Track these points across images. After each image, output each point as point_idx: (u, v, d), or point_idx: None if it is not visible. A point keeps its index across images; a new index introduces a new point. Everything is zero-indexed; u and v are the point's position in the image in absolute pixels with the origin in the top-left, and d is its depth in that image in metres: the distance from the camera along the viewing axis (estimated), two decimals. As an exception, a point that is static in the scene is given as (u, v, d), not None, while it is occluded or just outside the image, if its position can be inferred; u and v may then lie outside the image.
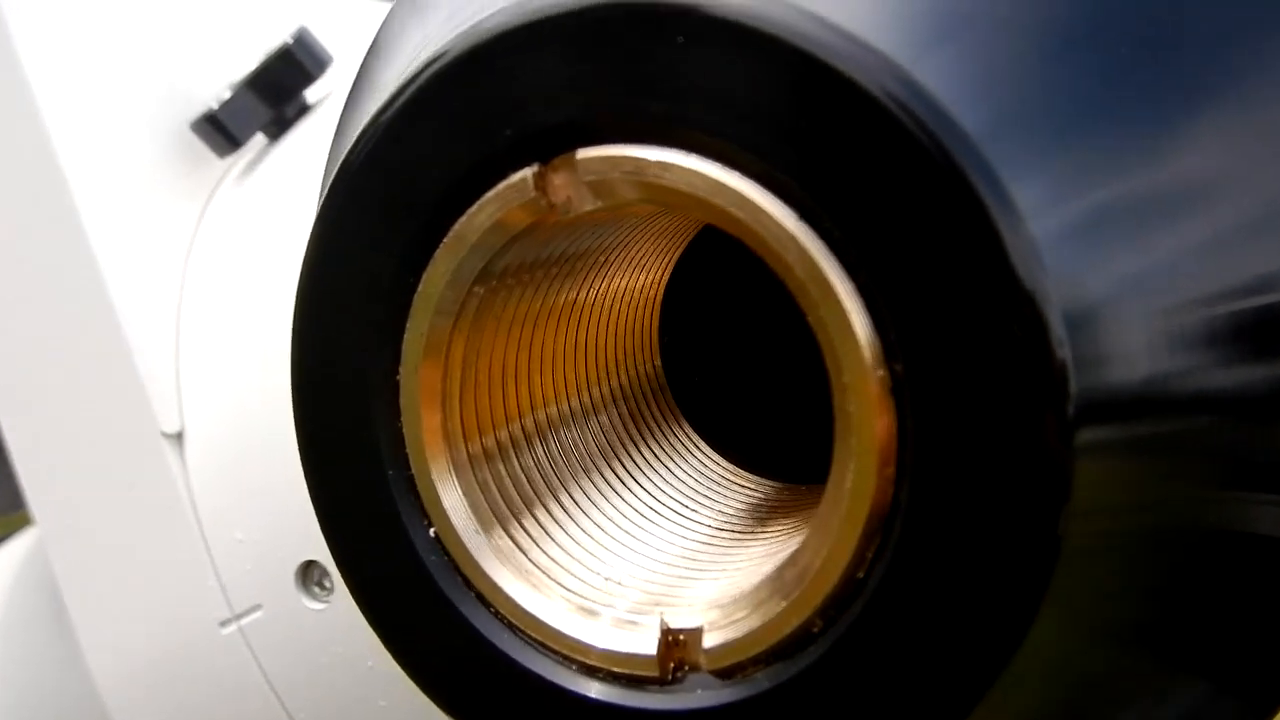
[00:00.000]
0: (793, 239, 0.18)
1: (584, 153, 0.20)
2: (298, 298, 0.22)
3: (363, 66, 0.27)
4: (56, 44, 0.41)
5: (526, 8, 0.19)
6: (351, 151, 0.21)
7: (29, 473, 0.42)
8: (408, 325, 0.21)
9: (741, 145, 0.19)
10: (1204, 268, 0.19)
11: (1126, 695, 0.21)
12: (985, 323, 0.18)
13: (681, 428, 0.27)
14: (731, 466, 0.27)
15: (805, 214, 0.18)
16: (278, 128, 0.43)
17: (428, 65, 0.20)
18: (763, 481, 0.27)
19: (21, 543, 0.53)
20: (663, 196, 0.19)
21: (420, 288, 0.21)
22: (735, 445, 0.27)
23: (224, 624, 0.40)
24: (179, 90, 0.44)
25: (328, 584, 0.38)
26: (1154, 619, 0.20)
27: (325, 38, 0.43)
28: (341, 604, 0.38)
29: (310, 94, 0.43)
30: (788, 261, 0.18)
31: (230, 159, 0.44)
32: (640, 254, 0.26)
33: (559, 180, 0.20)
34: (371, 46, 0.27)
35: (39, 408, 0.41)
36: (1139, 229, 0.19)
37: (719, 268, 0.29)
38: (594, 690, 0.21)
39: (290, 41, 0.43)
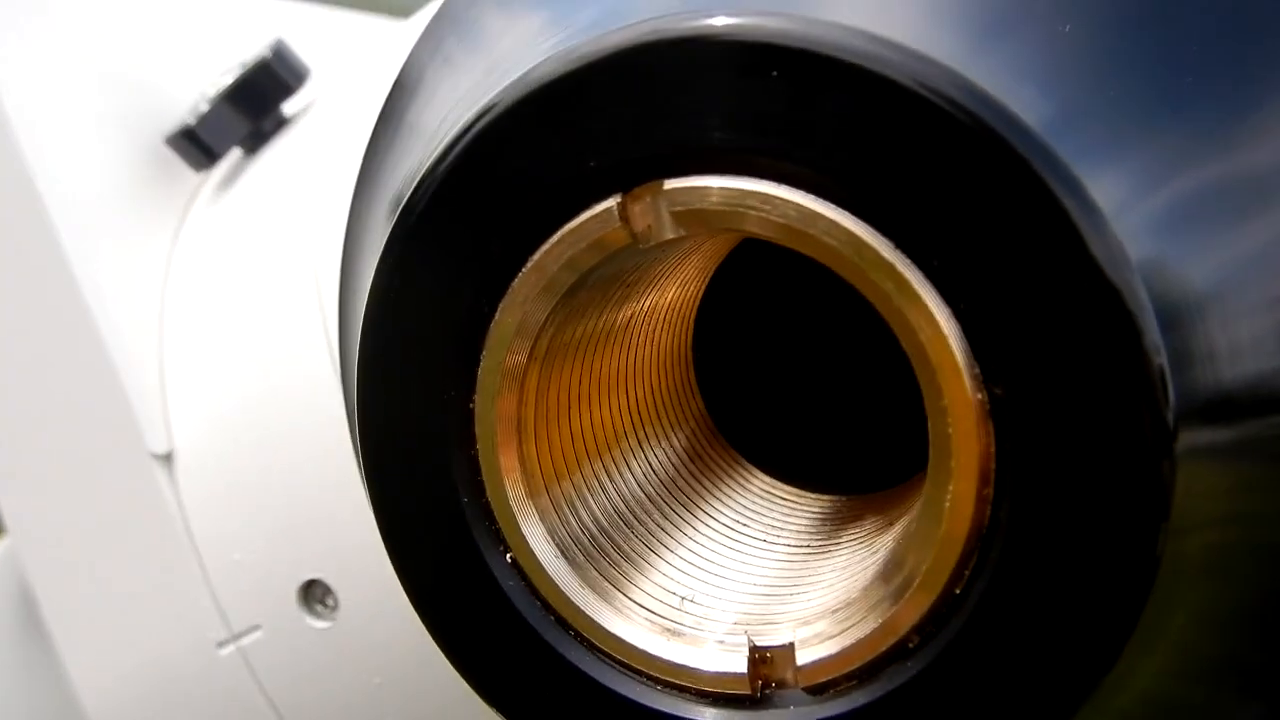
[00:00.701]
0: (890, 267, 0.18)
1: (672, 184, 0.20)
2: (365, 326, 0.21)
3: (390, 105, 0.26)
4: (29, 60, 0.40)
5: (613, 39, 0.19)
6: (416, 192, 0.21)
7: (10, 495, 0.41)
8: (484, 356, 0.21)
9: (833, 175, 0.19)
10: None
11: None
12: (1078, 334, 0.18)
13: (732, 456, 0.27)
14: (787, 487, 0.27)
15: (899, 242, 0.19)
16: (255, 141, 0.42)
17: (515, 89, 0.20)
18: (821, 497, 0.27)
19: None
20: (753, 227, 0.19)
21: (498, 316, 0.21)
22: (786, 465, 0.27)
23: (222, 645, 0.39)
24: (153, 105, 0.43)
25: (331, 602, 0.37)
26: (1249, 647, 0.20)
27: (302, 50, 0.43)
28: (347, 622, 0.37)
29: (287, 107, 0.42)
30: (885, 290, 0.19)
31: (206, 173, 0.43)
32: (682, 275, 0.26)
33: (639, 209, 0.20)
34: (398, 84, 0.26)
35: (22, 431, 0.40)
36: (1230, 218, 0.18)
37: (754, 294, 0.29)
38: (682, 709, 0.21)
39: (269, 54, 0.42)
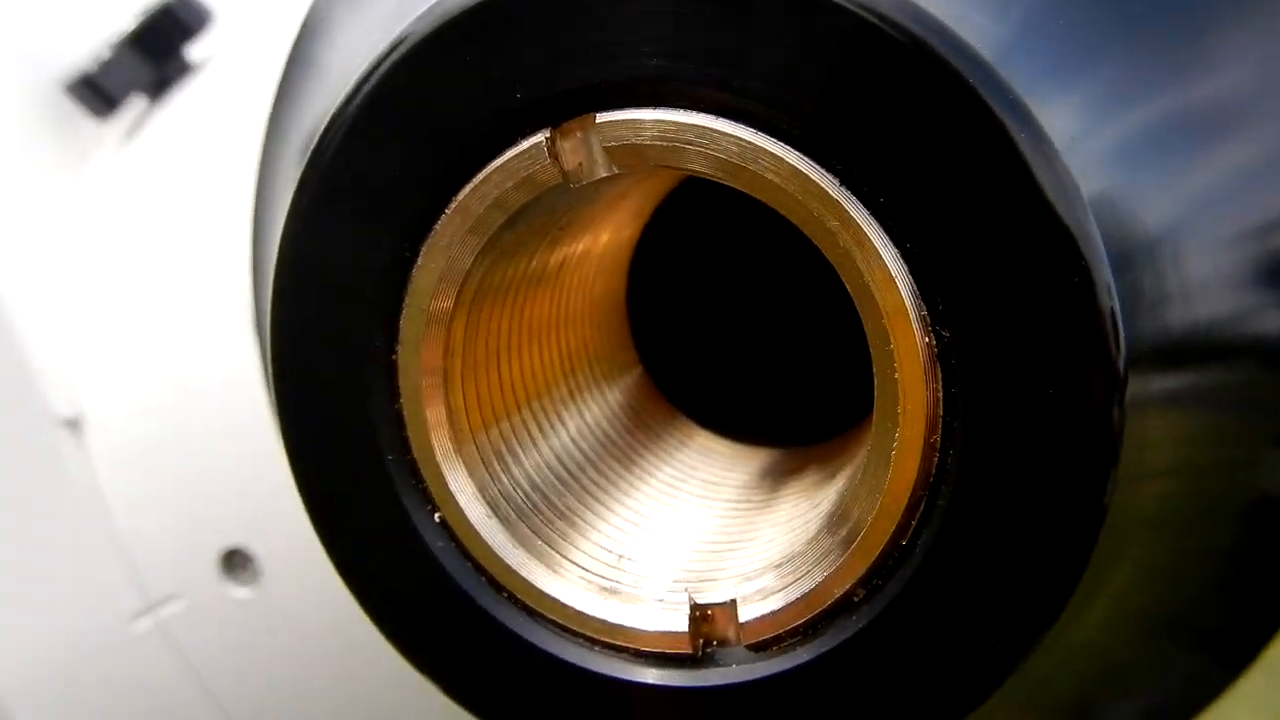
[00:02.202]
0: (836, 205, 0.18)
1: (604, 116, 0.18)
2: (276, 274, 0.20)
3: (296, 49, 0.25)
4: None
5: None
6: (326, 134, 0.19)
7: None
8: (405, 302, 0.20)
9: (778, 109, 0.18)
10: (1263, 192, 0.18)
11: (1145, 674, 0.21)
12: (1027, 275, 0.17)
13: (668, 410, 0.26)
14: (726, 441, 0.26)
15: (847, 180, 0.18)
16: (158, 88, 0.40)
17: (437, 13, 0.18)
18: (761, 450, 0.27)
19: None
20: (693, 163, 0.18)
21: (420, 259, 0.19)
22: (724, 418, 0.27)
23: (138, 616, 0.38)
24: (48, 52, 0.41)
25: (253, 571, 0.36)
26: (1178, 593, 0.20)
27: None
28: (270, 590, 0.36)
29: (192, 53, 0.41)
30: (830, 229, 0.18)
31: (108, 122, 0.41)
32: (616, 217, 0.25)
33: (570, 145, 0.19)
34: (305, 25, 0.25)
35: None
36: (1185, 150, 0.18)
37: (683, 239, 0.28)
38: (621, 670, 0.20)
39: (171, -2, 0.40)
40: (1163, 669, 0.21)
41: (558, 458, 0.22)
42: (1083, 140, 0.17)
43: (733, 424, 0.27)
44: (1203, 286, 0.18)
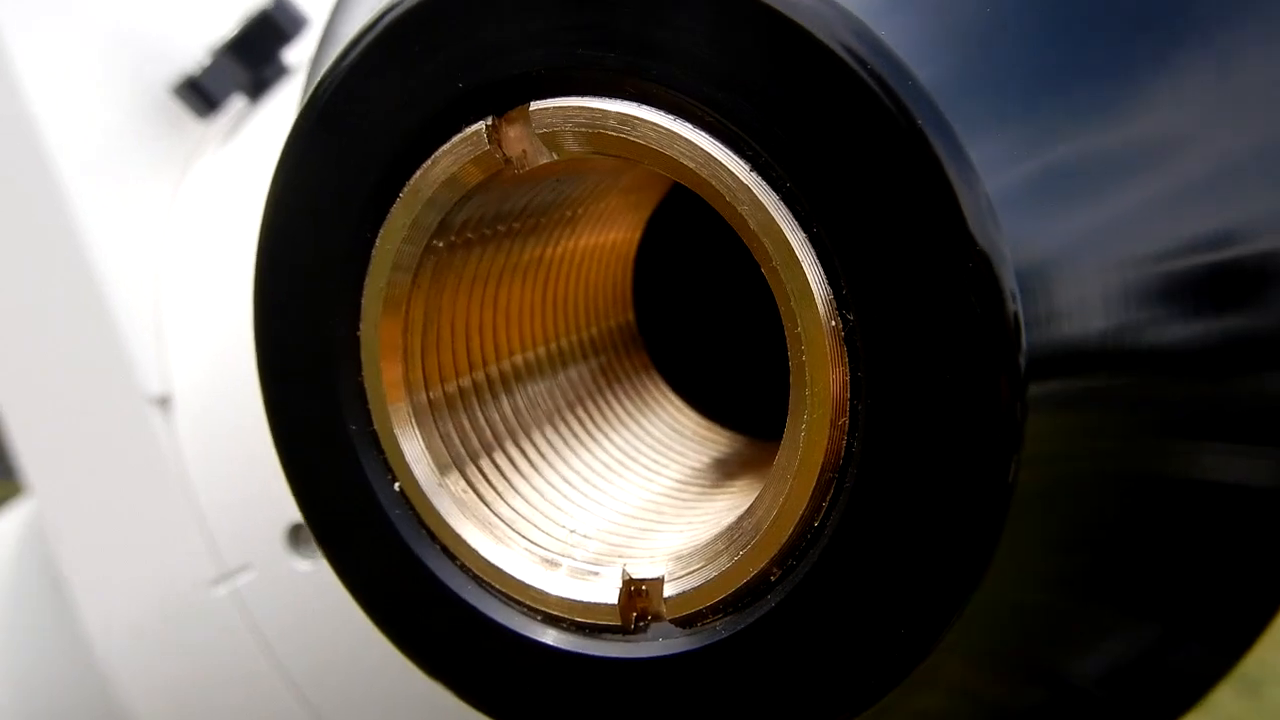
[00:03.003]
0: (746, 189, 0.18)
1: (537, 105, 0.19)
2: (257, 254, 0.21)
3: (327, 25, 0.26)
4: (37, 10, 0.41)
5: None
6: (306, 106, 0.21)
7: (21, 440, 0.42)
8: (366, 281, 0.21)
9: (695, 97, 0.18)
10: (1156, 225, 0.19)
11: (1083, 636, 0.20)
12: (938, 277, 0.17)
13: (653, 380, 0.27)
14: (701, 420, 0.27)
15: (758, 166, 0.18)
16: (256, 89, 0.43)
17: (383, 15, 0.20)
18: (733, 436, 0.27)
19: (21, 511, 0.53)
20: (617, 148, 0.19)
21: (378, 243, 0.21)
22: (706, 399, 0.27)
23: (215, 583, 0.40)
24: (156, 55, 0.44)
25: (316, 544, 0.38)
26: (1105, 564, 0.20)
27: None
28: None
29: (289, 56, 0.43)
30: (741, 213, 0.18)
31: (209, 121, 0.44)
32: (610, 210, 0.25)
33: (514, 133, 0.20)
34: (337, 5, 0.26)
35: (28, 377, 0.41)
36: (1094, 186, 0.18)
37: (694, 224, 0.29)
38: (555, 639, 0.21)
39: (269, 5, 0.42)
40: (1107, 630, 0.20)
41: (518, 431, 0.23)
42: (1004, 169, 0.18)
43: (706, 400, 0.27)
44: (1108, 300, 0.18)
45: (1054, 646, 0.20)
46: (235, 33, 0.42)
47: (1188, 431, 0.20)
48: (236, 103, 0.43)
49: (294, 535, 0.38)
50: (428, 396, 0.22)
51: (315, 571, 0.38)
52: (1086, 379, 0.18)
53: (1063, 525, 0.19)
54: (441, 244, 0.21)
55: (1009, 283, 0.17)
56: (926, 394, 0.18)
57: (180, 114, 0.43)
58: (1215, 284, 0.20)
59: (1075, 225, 0.18)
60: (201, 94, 0.42)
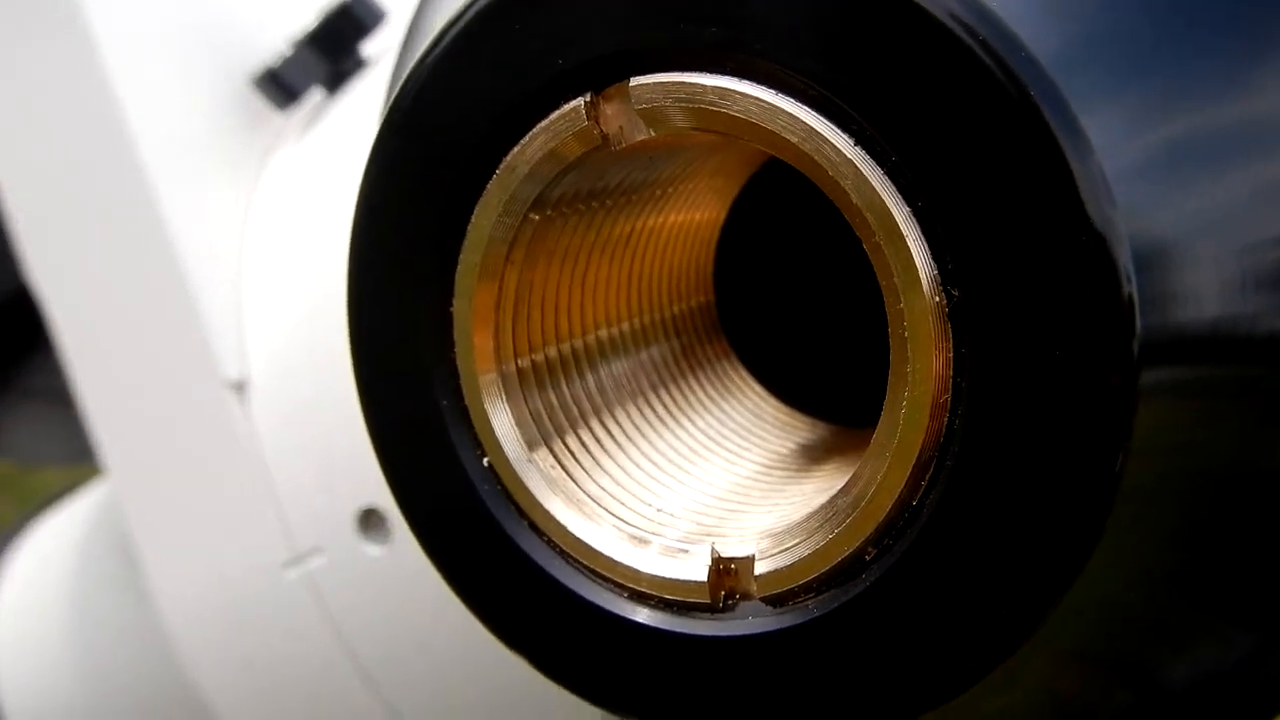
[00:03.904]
0: (849, 163, 0.18)
1: (636, 81, 0.19)
2: (353, 238, 0.21)
3: (414, 16, 0.26)
4: (122, 3, 0.42)
5: None
6: (402, 90, 0.21)
7: (100, 421, 0.42)
8: (461, 256, 0.21)
9: (798, 70, 0.18)
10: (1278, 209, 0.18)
11: (1179, 640, 0.20)
12: (1049, 256, 0.17)
13: (733, 366, 0.27)
14: (784, 407, 0.27)
15: (862, 139, 0.18)
16: (335, 81, 0.43)
17: (475, 1, 0.20)
18: (816, 423, 0.27)
19: (96, 492, 0.54)
20: (717, 123, 0.19)
21: (474, 218, 0.21)
22: (789, 386, 0.27)
23: (287, 566, 0.40)
24: (238, 47, 0.44)
25: (386, 529, 0.38)
26: (1208, 564, 0.19)
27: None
28: (400, 549, 0.38)
29: (367, 48, 0.43)
30: (843, 187, 0.18)
31: (289, 113, 0.44)
32: (698, 190, 0.25)
33: (611, 110, 0.20)
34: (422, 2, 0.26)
35: (109, 360, 0.42)
36: (1213, 166, 0.18)
37: (778, 208, 0.28)
38: (645, 616, 0.20)
39: (349, -1, 0.43)
40: (1204, 634, 0.20)
41: (603, 409, 0.23)
42: (1120, 144, 0.17)
43: (790, 389, 0.27)
44: (1226, 286, 0.18)
45: (1147, 647, 0.20)
46: (315, 25, 0.42)
47: None
48: (315, 95, 0.44)
49: (365, 520, 0.39)
50: (517, 368, 0.21)
51: (386, 557, 0.38)
52: (1201, 368, 0.18)
53: (1168, 521, 0.18)
54: (537, 217, 0.21)
55: (1124, 263, 0.17)
56: (1033, 376, 0.17)
57: (260, 106, 0.43)
58: None
59: (1194, 205, 0.18)
60: (281, 86, 0.43)
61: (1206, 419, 0.18)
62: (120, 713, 0.49)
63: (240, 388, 0.41)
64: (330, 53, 0.43)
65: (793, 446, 0.25)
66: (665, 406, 0.24)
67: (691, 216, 0.26)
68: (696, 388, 0.25)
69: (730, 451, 0.24)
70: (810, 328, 0.29)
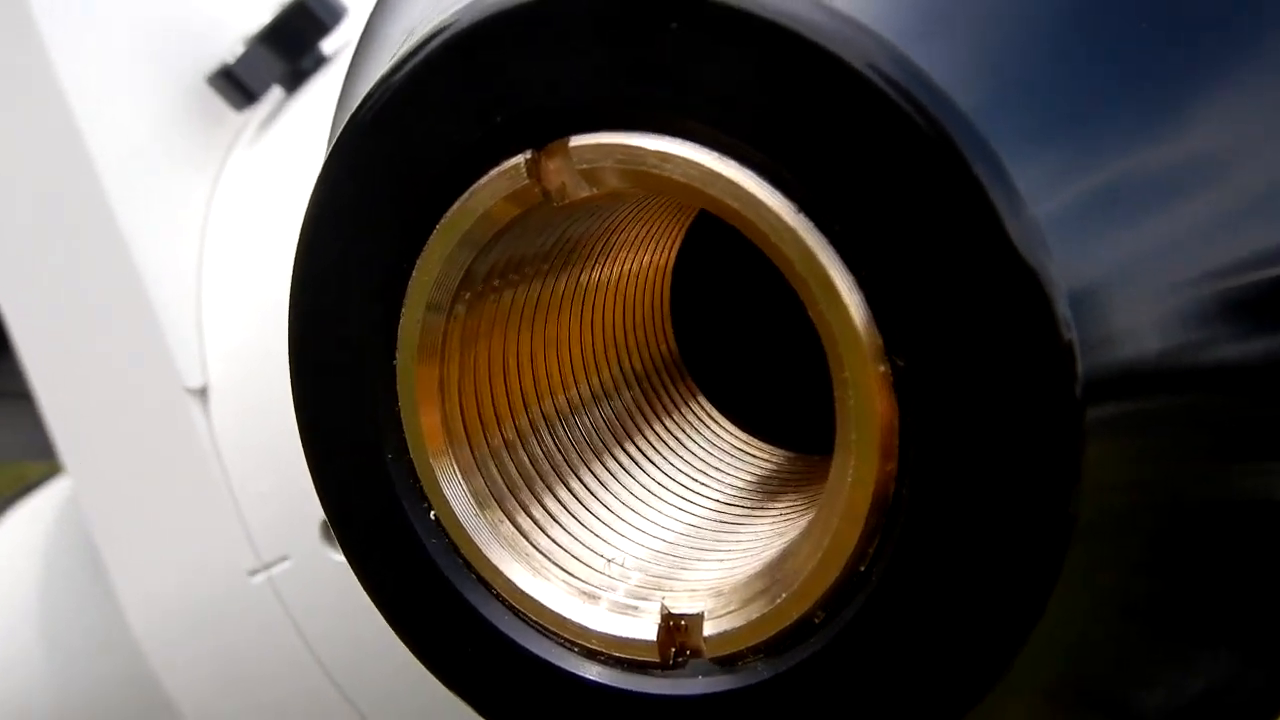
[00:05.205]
0: (791, 232, 0.17)
1: (577, 140, 0.19)
2: (295, 265, 0.21)
3: (368, 24, 0.25)
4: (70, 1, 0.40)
5: None
6: (350, 120, 0.20)
7: (60, 428, 0.42)
8: (403, 313, 0.20)
9: (737, 134, 0.17)
10: (1209, 244, 0.18)
11: (1148, 670, 0.20)
12: (989, 310, 0.17)
13: (695, 398, 0.26)
14: (744, 435, 0.26)
15: (804, 206, 0.17)
16: (294, 80, 0.42)
17: (428, 40, 0.19)
18: (776, 451, 0.26)
19: (60, 487, 0.53)
20: (657, 186, 0.18)
21: (414, 275, 0.20)
22: (748, 414, 0.26)
23: (253, 574, 0.40)
24: (192, 45, 0.43)
25: None
26: (1169, 592, 0.19)
27: (339, -11, 0.42)
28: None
29: (327, 46, 0.42)
30: (787, 256, 0.17)
31: (247, 113, 0.43)
32: (646, 233, 0.25)
33: (553, 166, 0.19)
34: (379, 3, 0.25)
35: (67, 366, 0.41)
36: (1142, 208, 0.18)
37: (727, 238, 0.28)
38: (595, 673, 0.20)
39: (306, -6, 0.41)
40: (1174, 661, 0.20)
41: (558, 468, 0.23)
42: (1050, 192, 0.17)
43: (746, 414, 0.26)
44: (1162, 322, 0.17)
45: (1119, 679, 0.20)
46: (270, 22, 0.41)
47: (1253, 453, 0.19)
48: (275, 93, 0.43)
49: (330, 528, 0.38)
50: (466, 432, 0.21)
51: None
52: (1145, 402, 0.17)
53: (1125, 554, 0.18)
54: (479, 278, 0.20)
55: (1062, 310, 0.16)
56: (980, 432, 0.17)
57: (218, 105, 0.42)
58: (1272, 302, 0.19)
59: (1128, 246, 0.17)
60: (238, 84, 0.42)
61: (1155, 452, 0.18)
62: (88, 705, 0.48)
63: (202, 394, 0.40)
64: (287, 50, 0.42)
65: (750, 478, 0.25)
66: (625, 453, 0.24)
67: (643, 259, 0.25)
68: (658, 429, 0.25)
69: (687, 489, 0.24)
70: (766, 354, 0.28)
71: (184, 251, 0.40)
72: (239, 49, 0.41)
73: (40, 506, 0.53)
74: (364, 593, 0.38)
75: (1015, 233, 0.16)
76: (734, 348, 0.28)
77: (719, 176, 0.18)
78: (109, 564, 0.42)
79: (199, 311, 0.40)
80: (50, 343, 0.41)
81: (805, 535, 0.19)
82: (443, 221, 0.19)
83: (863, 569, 0.18)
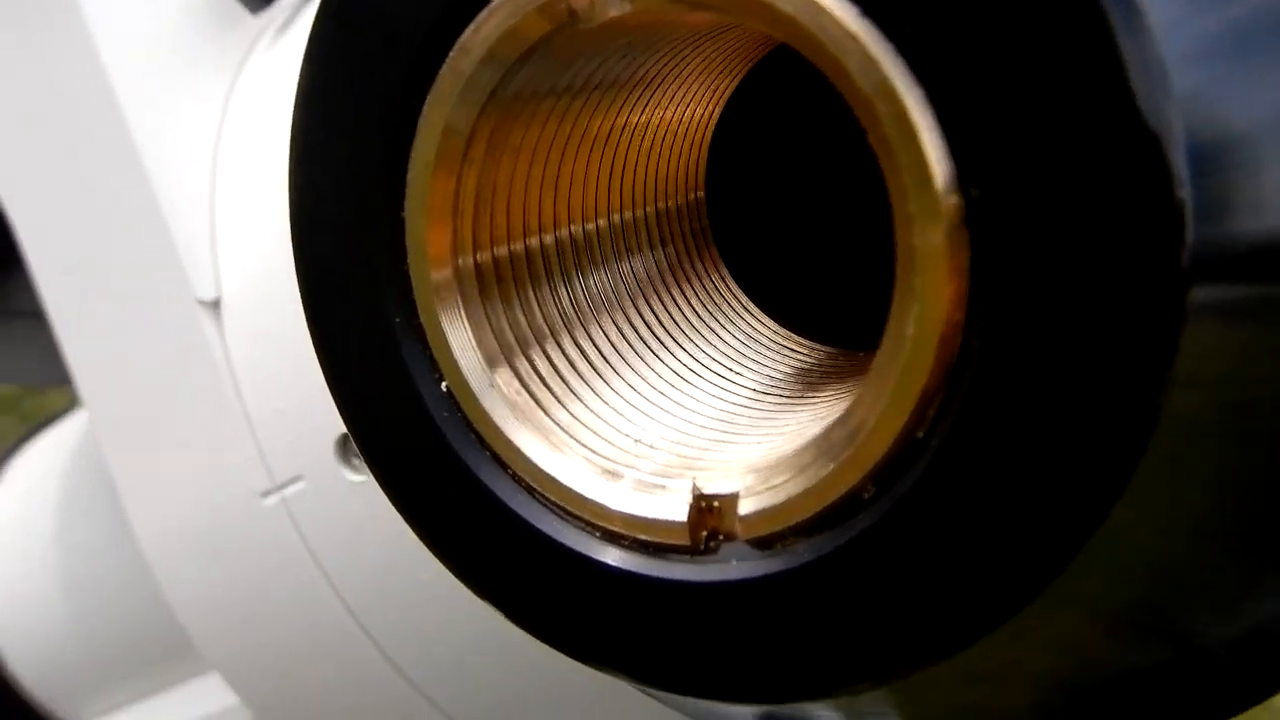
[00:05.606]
0: (852, 38, 0.15)
1: (608, -54, 0.16)
2: (292, 139, 0.19)
3: None
4: None
5: None
6: None
7: (71, 344, 0.40)
8: (413, 152, 0.18)
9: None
10: None
11: (1223, 598, 0.17)
12: (1087, 151, 0.14)
13: (725, 283, 0.24)
14: (779, 328, 0.24)
15: (870, 8, 0.15)
16: (309, -18, 0.40)
17: None
18: (815, 346, 0.24)
19: (79, 418, 0.52)
20: (699, -4, 0.16)
21: (425, 109, 0.18)
22: (785, 306, 0.24)
23: (266, 494, 0.38)
24: None
25: None
26: (1255, 513, 0.16)
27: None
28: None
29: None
30: (846, 66, 0.15)
31: (263, 17, 0.41)
32: (686, 87, 0.22)
33: (581, -18, 0.17)
34: None
35: (78, 279, 0.39)
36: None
37: (777, 107, 0.25)
38: (616, 558, 0.18)
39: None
40: (1250, 590, 0.17)
41: (576, 325, 0.20)
42: (1180, 25, 0.14)
43: (787, 308, 0.24)
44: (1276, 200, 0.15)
45: (1187, 603, 0.17)
46: (286, -81, 0.39)
47: None
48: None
49: (344, 446, 0.36)
50: (476, 265, 0.19)
51: (367, 483, 0.36)
52: (1262, 287, 0.15)
53: (1212, 462, 0.15)
54: (496, 110, 0.18)
55: (1178, 164, 0.14)
56: (1063, 292, 0.14)
57: (234, 8, 0.40)
58: None
59: (1265, 99, 0.15)
60: (252, -15, 0.40)
61: (1266, 348, 0.15)
62: (109, 637, 0.47)
63: (215, 306, 0.39)
64: (302, -50, 0.40)
65: (788, 370, 0.23)
66: (647, 324, 0.21)
67: (680, 114, 0.23)
68: (683, 304, 0.22)
69: (719, 375, 0.21)
70: (811, 241, 0.26)
71: (198, 160, 0.39)
72: (255, -50, 0.39)
73: (64, 434, 0.52)
74: (379, 515, 0.36)
75: (1133, 66, 0.14)
76: (773, 235, 0.26)
77: (769, -24, 0.15)
78: (119, 485, 0.40)
79: (213, 222, 0.38)
80: (60, 254, 0.39)
81: (857, 400, 0.16)
82: (459, 43, 0.17)
83: (921, 435, 0.16)
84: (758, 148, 0.26)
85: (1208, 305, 0.14)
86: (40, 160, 0.40)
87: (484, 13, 0.17)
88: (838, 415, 0.17)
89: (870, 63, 0.15)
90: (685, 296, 0.22)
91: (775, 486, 0.17)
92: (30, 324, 0.53)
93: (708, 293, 0.23)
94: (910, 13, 0.15)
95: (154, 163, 0.38)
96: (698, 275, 0.23)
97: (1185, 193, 0.14)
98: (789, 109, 0.26)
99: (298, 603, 0.39)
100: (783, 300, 0.24)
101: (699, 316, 0.22)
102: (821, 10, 0.15)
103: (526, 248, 0.19)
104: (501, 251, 0.19)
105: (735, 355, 0.22)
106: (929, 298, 0.15)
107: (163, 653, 0.46)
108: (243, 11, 0.40)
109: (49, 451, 0.52)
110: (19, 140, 0.41)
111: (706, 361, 0.22)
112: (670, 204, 0.23)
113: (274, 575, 0.39)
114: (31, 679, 0.48)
